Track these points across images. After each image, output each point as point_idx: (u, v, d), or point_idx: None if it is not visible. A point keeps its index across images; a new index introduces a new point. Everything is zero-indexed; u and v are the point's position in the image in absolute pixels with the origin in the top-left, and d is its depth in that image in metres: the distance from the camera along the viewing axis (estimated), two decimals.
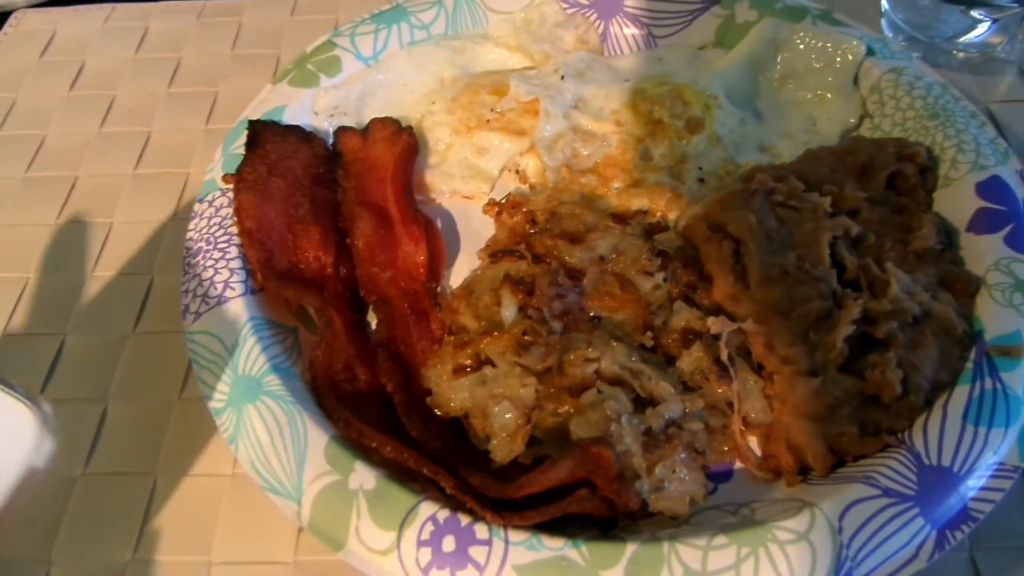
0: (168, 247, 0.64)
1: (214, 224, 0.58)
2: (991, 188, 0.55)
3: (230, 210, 0.58)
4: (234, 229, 0.57)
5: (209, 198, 0.59)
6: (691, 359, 0.49)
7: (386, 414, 0.50)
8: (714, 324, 0.49)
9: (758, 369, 0.51)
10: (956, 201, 0.56)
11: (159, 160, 0.71)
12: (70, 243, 0.65)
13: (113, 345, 0.59)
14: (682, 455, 0.44)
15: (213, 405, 0.49)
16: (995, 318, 0.49)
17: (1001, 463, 0.44)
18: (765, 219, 0.54)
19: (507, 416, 0.46)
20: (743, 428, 0.49)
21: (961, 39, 0.72)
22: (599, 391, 0.45)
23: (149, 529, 0.50)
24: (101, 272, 0.63)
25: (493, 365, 0.49)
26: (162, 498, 0.51)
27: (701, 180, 0.63)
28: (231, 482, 0.51)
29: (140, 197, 0.68)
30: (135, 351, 0.58)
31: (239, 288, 0.54)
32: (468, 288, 0.54)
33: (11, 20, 0.85)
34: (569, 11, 0.74)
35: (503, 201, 0.58)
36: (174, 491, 0.51)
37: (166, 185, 0.69)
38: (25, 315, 0.61)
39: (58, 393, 0.56)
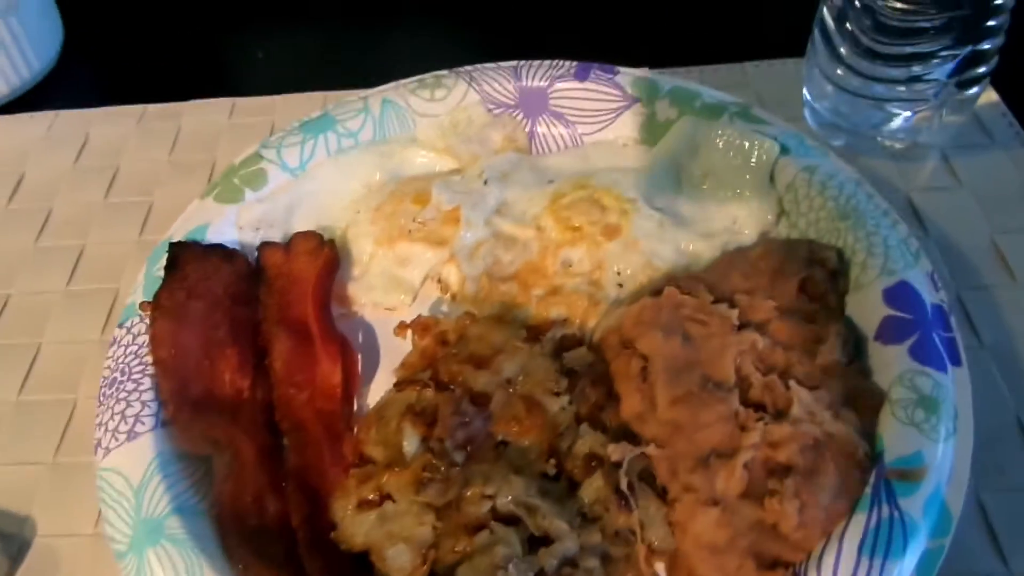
0: (91, 371, 0.64)
1: (130, 353, 0.58)
2: (898, 295, 0.55)
3: (146, 338, 0.58)
4: (149, 358, 0.57)
5: (128, 324, 0.60)
6: (592, 488, 0.49)
7: (292, 549, 0.50)
8: (614, 451, 0.49)
9: (663, 492, 0.50)
10: (865, 307, 0.56)
11: (91, 275, 0.72)
12: None
13: (35, 473, 0.59)
14: None
15: (116, 548, 0.49)
16: (897, 438, 0.48)
17: None
18: (672, 335, 0.54)
19: (403, 558, 0.46)
20: (648, 555, 0.49)
21: (883, 127, 0.72)
22: (491, 532, 0.45)
23: None
24: (25, 396, 0.64)
25: (393, 500, 0.49)
26: None
27: (620, 285, 0.63)
28: None
29: (70, 315, 0.69)
30: (53, 480, 0.59)
31: (149, 422, 0.54)
32: (378, 414, 0.54)
33: None
34: (496, 112, 0.75)
35: (413, 322, 0.58)
36: None
37: (97, 302, 0.69)
38: None
39: None
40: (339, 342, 0.60)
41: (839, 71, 0.70)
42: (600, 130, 0.74)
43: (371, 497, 0.50)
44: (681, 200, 0.68)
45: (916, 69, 0.68)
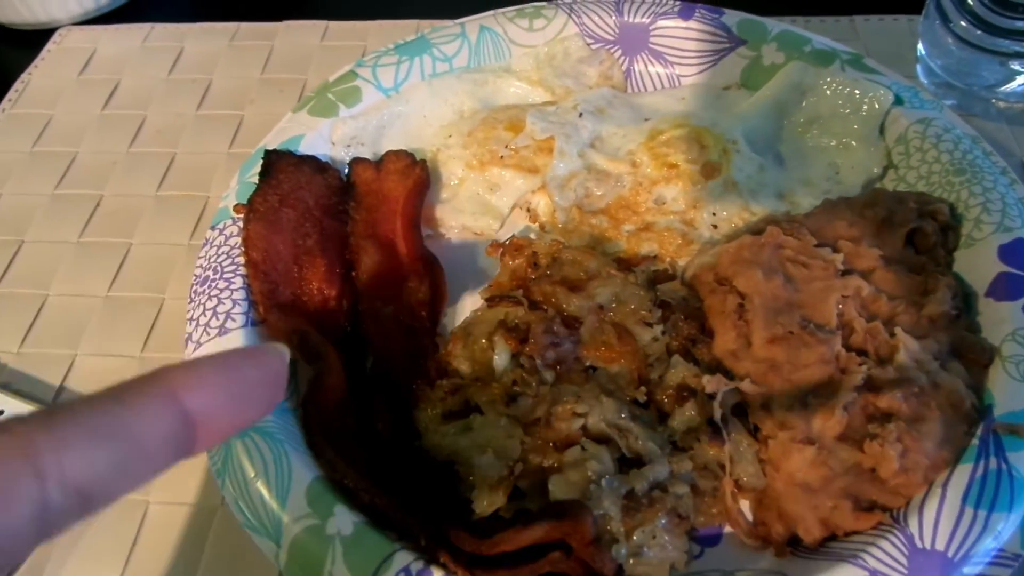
0: (180, 272, 0.65)
1: (223, 253, 0.58)
2: (1014, 252, 0.53)
3: (239, 239, 0.59)
4: (241, 259, 0.58)
5: (220, 226, 0.60)
6: (684, 418, 0.48)
7: (373, 456, 0.50)
8: (709, 383, 0.48)
9: (754, 431, 0.49)
10: (977, 263, 0.54)
11: (181, 182, 0.72)
12: (89, 263, 0.67)
13: (121, 366, 0.60)
14: (663, 520, 0.43)
15: None
16: (1007, 393, 0.46)
17: (1001, 549, 0.41)
18: (773, 275, 0.53)
19: (492, 467, 0.46)
20: (735, 491, 0.48)
21: (1000, 88, 0.69)
22: (583, 448, 0.45)
23: (137, 553, 0.51)
24: (116, 292, 0.65)
25: (482, 412, 0.48)
26: (152, 524, 0.52)
27: (714, 226, 0.62)
28: (223, 512, 0.52)
29: (160, 219, 0.70)
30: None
31: (240, 320, 0.54)
32: (465, 330, 0.54)
33: (55, 37, 0.88)
34: (594, 46, 0.73)
35: (506, 243, 0.57)
36: (164, 519, 0.52)
37: (186, 208, 0.70)
38: (40, 332, 0.63)
39: None
40: (427, 260, 0.59)
41: (963, 23, 0.66)
42: (701, 72, 0.72)
43: (457, 409, 0.49)
44: (782, 147, 0.66)
45: None
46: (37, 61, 0.85)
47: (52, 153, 0.76)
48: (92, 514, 0.20)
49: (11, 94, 0.82)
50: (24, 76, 0.84)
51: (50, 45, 0.87)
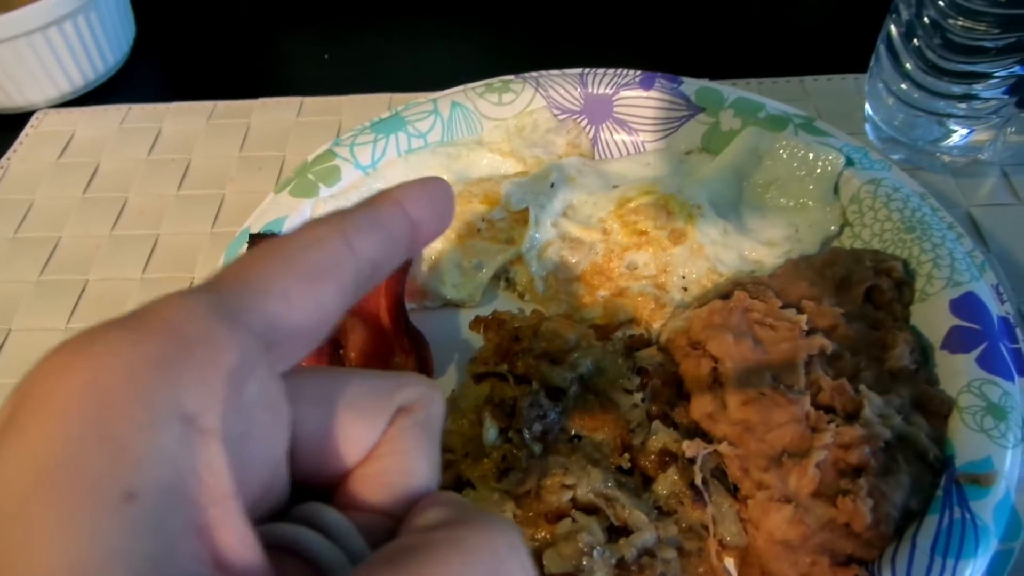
0: None
1: None
2: (965, 305, 0.57)
3: None
4: None
5: None
6: (667, 482, 0.50)
7: None
8: (689, 448, 0.51)
9: (734, 490, 0.52)
10: (932, 317, 0.58)
11: (166, 263, 0.74)
12: None
13: None
14: None
15: None
16: (966, 443, 0.50)
17: None
18: (742, 338, 0.56)
19: None
20: (719, 550, 0.50)
21: (942, 143, 0.74)
22: (573, 520, 0.47)
23: None
24: None
25: (473, 488, 0.50)
26: None
27: (684, 288, 0.65)
28: None
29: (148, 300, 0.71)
30: None
31: None
32: (455, 405, 0.56)
33: (32, 120, 0.90)
34: (560, 117, 0.77)
35: (489, 318, 0.60)
36: None
37: (172, 289, 0.71)
38: None
39: None
40: (412, 335, 0.62)
41: (903, 85, 0.71)
42: (663, 137, 0.76)
43: (449, 484, 0.51)
44: (744, 208, 0.70)
45: (976, 87, 0.69)
46: (15, 146, 0.87)
47: (35, 239, 0.77)
48: (370, 287, 0.27)
49: None
50: (3, 161, 0.85)
51: (27, 129, 0.89)
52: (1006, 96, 0.69)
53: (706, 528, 0.50)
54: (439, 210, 0.29)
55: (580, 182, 0.72)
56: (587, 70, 0.77)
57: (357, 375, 0.27)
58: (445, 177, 0.74)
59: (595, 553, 0.45)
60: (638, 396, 0.54)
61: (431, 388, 0.28)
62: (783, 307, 0.58)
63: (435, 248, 0.69)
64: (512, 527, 0.24)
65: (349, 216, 0.26)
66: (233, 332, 0.21)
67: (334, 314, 0.25)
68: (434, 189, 0.29)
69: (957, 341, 0.55)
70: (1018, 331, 0.56)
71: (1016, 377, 0.53)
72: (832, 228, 0.67)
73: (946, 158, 0.74)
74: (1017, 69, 0.67)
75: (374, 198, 0.28)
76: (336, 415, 0.25)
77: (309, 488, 0.25)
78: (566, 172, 0.72)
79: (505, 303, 0.67)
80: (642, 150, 0.76)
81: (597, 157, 0.77)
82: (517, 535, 0.23)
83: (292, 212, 0.69)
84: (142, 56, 0.98)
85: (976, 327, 0.55)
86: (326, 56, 0.97)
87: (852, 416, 0.52)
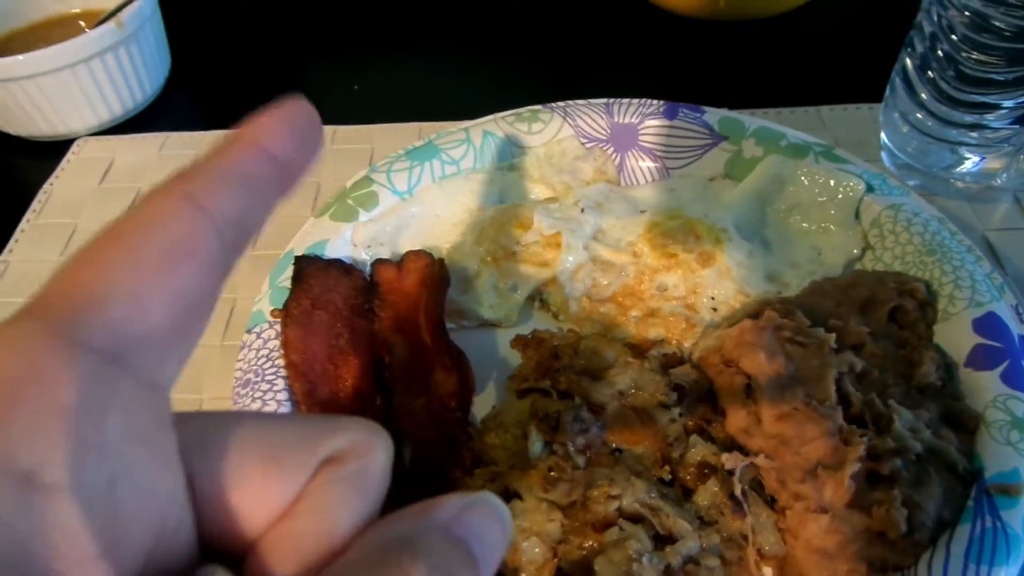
0: (216, 372, 0.69)
1: (262, 356, 0.62)
2: (987, 325, 0.59)
3: (276, 342, 0.63)
4: (280, 361, 0.61)
5: (257, 329, 0.64)
6: (707, 493, 0.52)
7: None
8: (728, 460, 0.53)
9: (771, 501, 0.54)
10: (955, 336, 0.60)
11: None
12: None
13: None
14: None
15: None
16: (994, 456, 0.52)
17: None
18: (774, 356, 0.58)
19: (535, 551, 0.49)
20: (758, 559, 0.52)
21: (956, 169, 0.77)
22: (621, 528, 0.49)
23: None
24: None
25: (520, 498, 0.52)
26: None
27: (714, 309, 0.67)
28: None
29: None
30: None
31: None
32: (497, 420, 0.58)
33: (73, 147, 0.93)
34: (588, 145, 0.80)
35: (529, 337, 0.62)
36: None
37: (216, 310, 0.74)
38: None
39: None
40: (453, 352, 0.64)
41: (918, 115, 0.74)
42: (688, 164, 0.79)
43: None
44: (768, 232, 0.73)
45: (987, 117, 0.72)
46: (58, 171, 0.90)
47: None
48: (244, 248, 0.23)
49: (35, 204, 0.86)
50: (46, 187, 0.88)
51: (69, 156, 0.92)
52: (1015, 126, 0.72)
53: (745, 538, 0.52)
54: (304, 136, 0.25)
55: (608, 207, 0.75)
56: (613, 100, 0.80)
57: (278, 421, 0.23)
58: (479, 203, 0.77)
59: (644, 559, 0.46)
60: (676, 411, 0.57)
61: (371, 434, 0.23)
62: (812, 326, 0.60)
63: (472, 270, 0.72)
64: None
65: (193, 174, 0.22)
66: (68, 360, 0.18)
67: (206, 296, 0.22)
68: (290, 114, 0.25)
69: (982, 359, 0.58)
70: None
71: None
72: (855, 251, 0.69)
73: (960, 184, 0.77)
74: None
75: (221, 143, 0.23)
76: (243, 468, 0.21)
77: (221, 553, 0.21)
78: (594, 198, 0.75)
79: (540, 323, 0.69)
80: (667, 176, 0.79)
81: (623, 183, 0.80)
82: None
83: (333, 236, 0.71)
84: (177, 87, 1.01)
85: (999, 345, 0.58)
86: (356, 87, 1.00)
87: (883, 430, 0.54)
